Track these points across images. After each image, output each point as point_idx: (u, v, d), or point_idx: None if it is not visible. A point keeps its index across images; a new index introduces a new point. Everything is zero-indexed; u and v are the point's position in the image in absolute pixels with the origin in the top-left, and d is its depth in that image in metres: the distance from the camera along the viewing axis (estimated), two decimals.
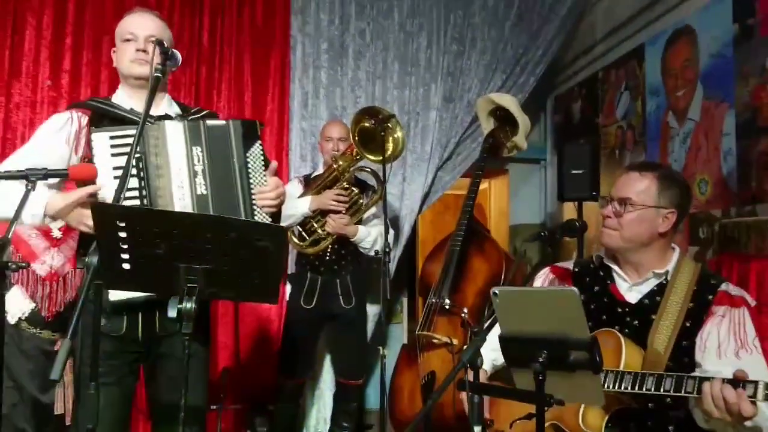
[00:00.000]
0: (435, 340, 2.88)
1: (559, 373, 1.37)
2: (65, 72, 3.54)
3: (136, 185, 1.79)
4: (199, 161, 1.83)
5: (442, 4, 4.04)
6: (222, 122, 1.90)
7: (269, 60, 3.85)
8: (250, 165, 1.87)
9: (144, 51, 1.91)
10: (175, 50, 1.87)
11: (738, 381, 1.42)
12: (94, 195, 1.72)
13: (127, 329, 1.83)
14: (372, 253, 3.21)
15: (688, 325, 1.70)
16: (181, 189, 1.81)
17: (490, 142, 3.30)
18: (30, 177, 1.61)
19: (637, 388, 1.59)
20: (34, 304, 2.48)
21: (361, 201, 3.19)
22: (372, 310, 3.80)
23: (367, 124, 3.07)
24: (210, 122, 1.88)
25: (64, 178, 1.74)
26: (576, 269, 1.97)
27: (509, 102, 3.27)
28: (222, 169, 1.84)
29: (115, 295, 1.72)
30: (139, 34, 1.92)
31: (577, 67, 4.53)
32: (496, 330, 1.48)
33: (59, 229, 2.69)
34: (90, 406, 1.46)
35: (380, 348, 2.59)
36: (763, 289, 2.01)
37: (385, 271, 2.73)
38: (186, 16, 3.72)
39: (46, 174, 1.65)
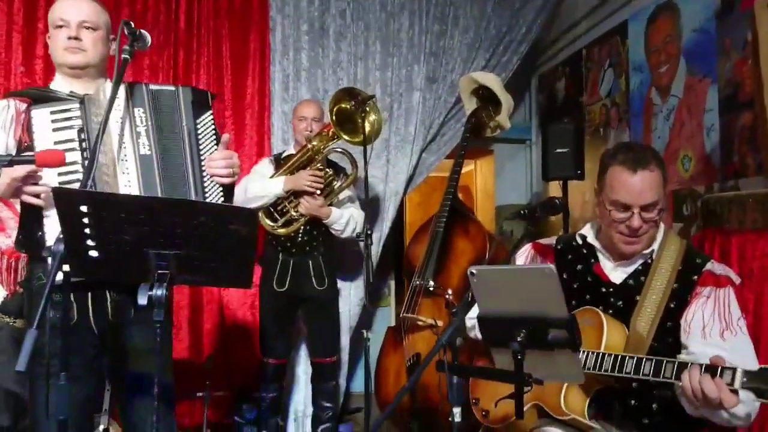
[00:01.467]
0: (420, 322, 2.87)
1: (538, 352, 1.35)
2: (39, 58, 3.46)
3: (79, 159, 1.75)
4: (142, 122, 1.80)
5: None
6: (170, 87, 1.87)
7: (248, 42, 3.78)
8: (200, 132, 1.84)
9: (76, 38, 1.83)
10: (143, 31, 1.82)
11: (715, 367, 1.40)
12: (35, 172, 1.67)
13: (79, 316, 1.76)
14: (343, 236, 3.17)
15: (672, 306, 1.68)
16: (124, 150, 1.77)
17: (473, 121, 3.27)
18: None
19: (616, 371, 1.57)
20: (6, 293, 2.43)
21: (335, 183, 3.14)
22: (355, 293, 3.79)
23: (345, 105, 3.02)
24: (155, 86, 1.86)
25: (31, 165, 1.68)
26: (559, 246, 1.93)
27: (492, 81, 3.24)
28: (171, 133, 1.81)
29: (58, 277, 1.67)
30: (71, 20, 1.84)
31: (561, 46, 4.49)
32: (475, 310, 1.46)
33: None
34: (61, 398, 1.42)
35: (364, 331, 2.57)
36: (745, 262, 2.00)
37: (368, 254, 2.70)
38: None
39: (11, 161, 1.61)
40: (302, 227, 3.10)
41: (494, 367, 1.50)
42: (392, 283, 4.83)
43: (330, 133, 3.03)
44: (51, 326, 1.40)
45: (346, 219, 3.14)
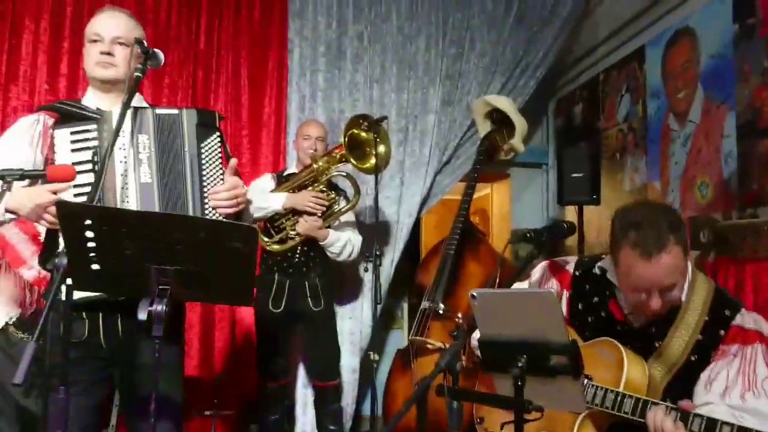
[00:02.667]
0: (429, 346, 2.84)
1: (539, 378, 1.33)
2: (62, 76, 3.55)
3: (92, 181, 1.74)
4: (144, 149, 1.79)
5: (440, 7, 4.00)
6: (174, 110, 1.85)
7: (267, 63, 3.83)
8: (204, 157, 1.82)
9: (108, 53, 1.87)
10: (156, 50, 1.85)
11: (684, 412, 1.37)
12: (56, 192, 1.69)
13: (89, 334, 1.78)
14: (339, 259, 3.15)
15: (693, 359, 1.59)
16: (125, 177, 1.77)
17: (486, 144, 3.26)
18: (6, 178, 1.59)
19: (616, 409, 1.54)
20: (21, 309, 2.46)
21: (335, 206, 3.13)
22: (367, 315, 3.77)
23: (358, 131, 3.03)
24: (161, 110, 1.85)
25: (42, 179, 1.71)
26: (577, 273, 1.84)
27: (505, 104, 3.23)
28: (171, 159, 1.80)
29: (78, 294, 1.68)
30: (104, 35, 1.88)
31: (579, 70, 4.48)
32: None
33: None
34: (61, 412, 1.42)
35: (371, 353, 2.54)
36: (760, 291, 1.95)
37: (376, 275, 2.69)
38: (183, 18, 3.72)
39: (23, 175, 1.63)
40: (299, 248, 3.09)
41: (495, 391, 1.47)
42: (405, 306, 4.79)
43: (339, 155, 3.04)
44: (51, 339, 1.40)
45: (343, 242, 3.12)
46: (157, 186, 1.76)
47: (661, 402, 1.47)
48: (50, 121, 1.85)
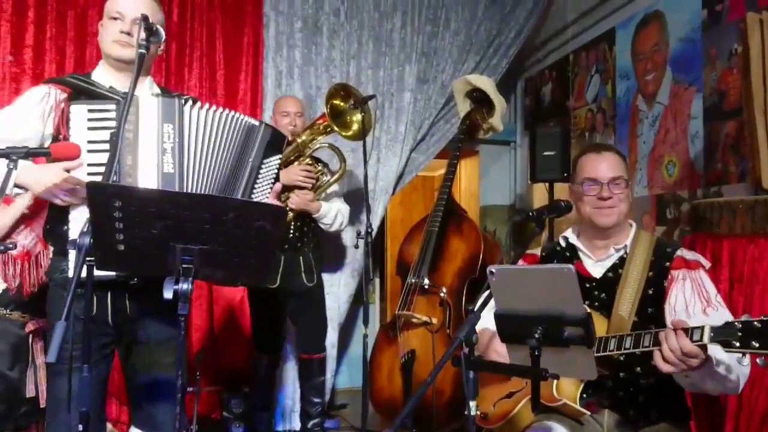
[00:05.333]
0: (414, 320, 2.92)
1: (553, 348, 1.41)
2: (28, 47, 3.41)
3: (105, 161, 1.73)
4: (169, 138, 1.77)
5: None
6: (254, 121, 1.89)
7: (242, 37, 3.78)
8: (261, 173, 1.87)
9: (128, 33, 1.85)
10: (159, 27, 1.82)
11: (686, 328, 1.49)
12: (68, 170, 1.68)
13: (97, 311, 1.78)
14: (332, 230, 3.21)
15: (650, 292, 1.80)
16: (148, 166, 1.76)
17: (467, 123, 3.32)
18: (11, 156, 1.56)
19: (601, 350, 1.66)
20: (4, 285, 2.40)
21: (324, 177, 3.16)
22: (345, 290, 3.82)
23: (338, 101, 3.04)
24: (239, 115, 1.86)
25: (46, 157, 1.68)
26: (543, 253, 2.07)
27: (486, 84, 3.30)
28: (231, 160, 1.82)
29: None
30: (126, 14, 1.86)
31: (548, 50, 4.58)
32: (490, 306, 1.51)
33: (28, 208, 2.59)
34: (84, 390, 1.43)
35: (363, 327, 2.60)
36: (735, 266, 2.10)
37: (367, 252, 2.74)
38: None
39: (27, 153, 1.60)
40: (292, 223, 3.11)
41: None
42: (377, 281, 4.87)
43: (322, 126, 3.04)
44: (74, 318, 1.40)
45: (334, 213, 3.16)
46: (178, 176, 1.75)
47: (655, 330, 1.59)
48: (62, 95, 1.81)
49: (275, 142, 1.92)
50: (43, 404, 2.43)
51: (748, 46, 2.27)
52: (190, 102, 1.84)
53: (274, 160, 1.91)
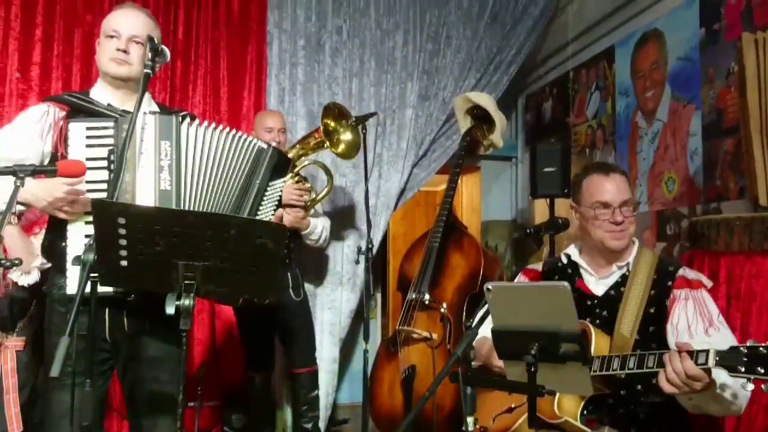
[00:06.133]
0: (415, 335, 2.93)
1: (549, 364, 1.43)
2: (35, 64, 3.47)
3: (106, 178, 1.75)
4: (166, 156, 1.79)
5: (417, 3, 4.08)
6: (263, 143, 1.93)
7: (246, 55, 3.83)
8: (266, 196, 1.89)
9: (124, 51, 1.88)
10: (164, 46, 1.86)
11: (691, 351, 1.49)
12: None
13: (95, 327, 1.78)
14: (317, 245, 3.23)
15: (652, 311, 1.80)
16: (145, 184, 1.77)
17: (468, 140, 3.36)
18: (19, 173, 1.59)
19: (604, 369, 1.66)
20: None
21: (312, 194, 3.17)
22: (347, 305, 3.83)
23: (328, 120, 3.08)
24: (249, 137, 1.90)
25: (52, 174, 1.71)
26: (545, 269, 2.07)
27: (486, 101, 3.34)
28: (238, 179, 1.85)
29: (75, 289, 1.70)
30: (123, 32, 1.88)
31: (548, 67, 4.63)
32: (488, 323, 1.53)
33: None
34: (86, 405, 1.45)
35: (363, 343, 2.61)
36: (733, 283, 2.11)
37: (367, 267, 2.76)
38: (161, 8, 3.66)
39: (34, 170, 1.63)
40: None
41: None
42: (378, 296, 4.88)
43: (314, 143, 3.07)
44: (86, 333, 1.42)
45: (320, 229, 3.20)
46: (175, 193, 1.76)
47: (659, 351, 1.59)
48: (61, 113, 1.84)
49: (281, 165, 1.95)
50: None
51: (744, 66, 2.30)
52: (188, 119, 1.86)
53: (279, 183, 1.94)
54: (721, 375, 1.50)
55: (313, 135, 3.14)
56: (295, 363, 3.30)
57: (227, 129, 1.88)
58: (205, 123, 1.88)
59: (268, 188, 1.91)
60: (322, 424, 3.49)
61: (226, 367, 3.67)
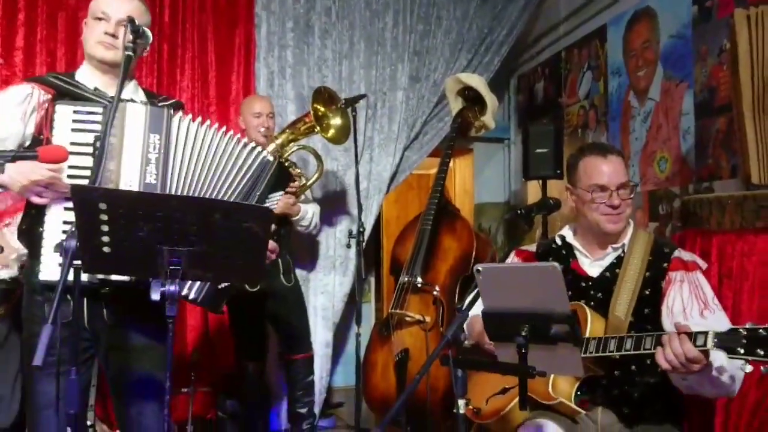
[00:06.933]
0: (408, 318, 2.92)
1: (540, 346, 1.42)
2: (18, 49, 3.41)
3: (91, 165, 1.69)
4: (154, 149, 1.75)
5: None
6: (270, 156, 1.91)
7: (233, 38, 3.77)
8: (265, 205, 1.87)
9: (113, 35, 1.82)
10: (146, 29, 1.82)
11: (690, 333, 1.48)
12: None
13: (73, 315, 1.71)
14: (307, 231, 3.21)
15: (647, 293, 1.79)
16: (130, 174, 1.73)
17: (459, 121, 3.33)
18: None
19: (600, 351, 1.65)
20: None
21: (302, 180, 3.15)
22: (340, 290, 3.82)
23: (317, 105, 3.04)
24: (256, 147, 1.89)
25: (32, 160, 1.67)
26: (539, 250, 2.06)
27: (478, 82, 3.30)
28: (239, 184, 1.84)
29: (49, 275, 1.67)
30: (112, 15, 1.83)
31: (540, 47, 4.58)
32: (479, 305, 1.52)
33: None
34: (72, 392, 1.43)
35: (356, 326, 2.60)
36: (724, 261, 2.10)
37: (359, 251, 2.74)
38: None
39: (15, 156, 1.61)
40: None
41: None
42: (372, 280, 4.87)
43: (304, 127, 3.03)
44: (70, 321, 1.40)
45: (310, 215, 3.17)
46: (160, 188, 1.72)
47: (657, 333, 1.59)
48: (46, 96, 1.79)
49: (282, 179, 1.95)
50: None
51: (737, 43, 2.28)
52: (180, 114, 1.82)
53: (276, 197, 1.92)
54: (718, 357, 1.49)
55: (303, 120, 3.11)
56: (291, 349, 3.30)
57: (231, 133, 1.85)
58: (199, 119, 1.83)
59: (267, 199, 1.88)
60: (316, 409, 3.50)
61: (220, 353, 3.65)
